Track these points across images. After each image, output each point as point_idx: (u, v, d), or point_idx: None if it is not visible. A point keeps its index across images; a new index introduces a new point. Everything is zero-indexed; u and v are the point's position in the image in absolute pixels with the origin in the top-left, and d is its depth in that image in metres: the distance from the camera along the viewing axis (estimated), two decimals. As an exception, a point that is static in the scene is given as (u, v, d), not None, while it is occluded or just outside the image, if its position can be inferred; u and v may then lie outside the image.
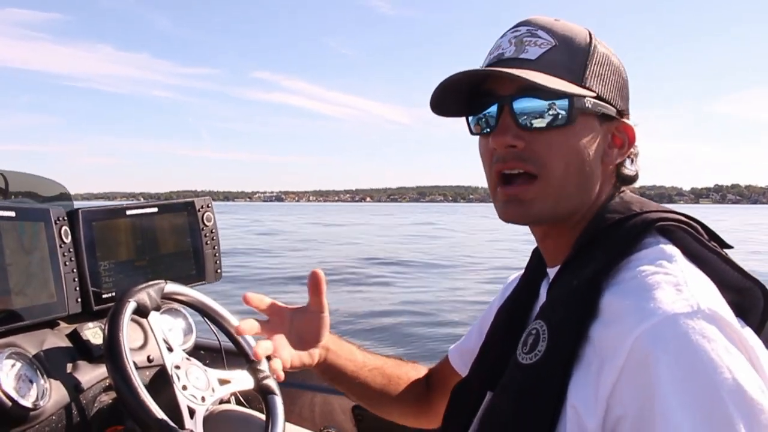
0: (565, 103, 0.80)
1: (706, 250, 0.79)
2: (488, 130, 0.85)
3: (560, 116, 0.80)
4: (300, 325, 1.06)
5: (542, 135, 0.81)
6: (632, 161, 0.89)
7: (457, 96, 0.86)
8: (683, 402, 0.62)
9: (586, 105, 0.81)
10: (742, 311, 0.76)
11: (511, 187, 0.83)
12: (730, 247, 0.84)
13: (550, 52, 0.81)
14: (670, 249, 0.77)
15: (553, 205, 0.83)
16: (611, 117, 0.85)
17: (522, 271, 1.06)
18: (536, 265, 0.99)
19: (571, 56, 0.82)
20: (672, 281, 0.71)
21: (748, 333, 0.72)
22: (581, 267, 0.79)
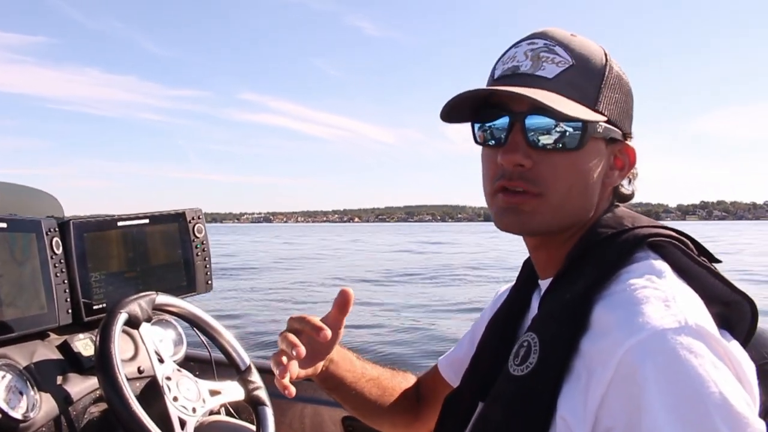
0: (578, 127, 0.79)
1: (695, 265, 0.80)
2: (493, 142, 0.84)
3: (572, 140, 0.79)
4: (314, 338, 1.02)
5: (550, 156, 0.80)
6: (630, 181, 0.90)
7: (468, 105, 0.85)
8: (670, 416, 0.63)
9: (598, 130, 0.81)
10: (729, 324, 0.78)
11: (512, 196, 0.82)
12: (718, 261, 0.85)
13: (567, 72, 0.80)
14: (660, 264, 0.78)
15: (550, 221, 0.83)
16: (617, 139, 0.85)
17: (513, 283, 1.08)
18: (527, 276, 0.99)
19: (587, 78, 0.81)
20: (660, 296, 0.72)
21: (734, 347, 0.73)
22: (573, 281, 0.80)
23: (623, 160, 0.87)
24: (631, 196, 0.91)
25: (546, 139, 0.80)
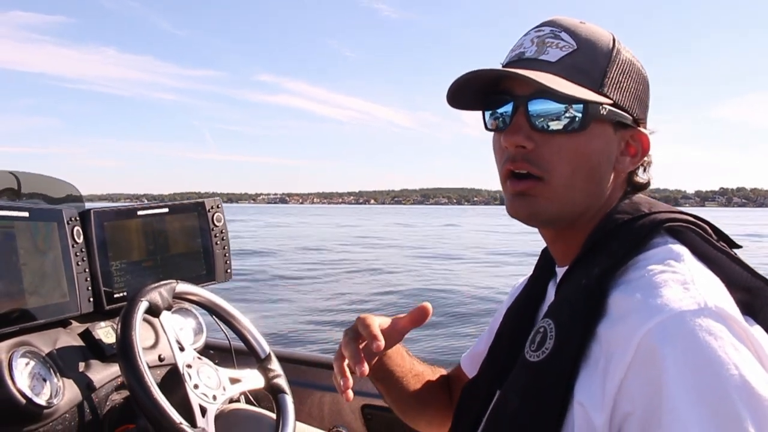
0: (579, 108, 0.79)
1: (714, 250, 0.79)
2: (502, 126, 0.85)
3: (574, 121, 0.80)
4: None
5: (553, 138, 0.81)
6: (645, 170, 0.89)
7: (475, 90, 0.86)
8: (691, 398, 0.62)
9: (601, 112, 0.80)
10: (752, 310, 0.76)
11: (520, 183, 0.83)
12: (739, 246, 0.84)
13: (570, 56, 0.81)
14: (678, 248, 0.78)
15: (559, 208, 0.83)
16: (627, 125, 0.84)
17: (530, 275, 1.07)
18: (544, 264, 0.99)
19: (592, 61, 0.81)
20: (679, 279, 0.71)
21: (756, 330, 0.72)
22: (589, 266, 0.79)
23: (635, 146, 0.86)
24: (646, 185, 0.90)
25: (548, 122, 0.80)
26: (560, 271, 0.91)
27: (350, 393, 0.93)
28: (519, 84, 0.81)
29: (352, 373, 0.94)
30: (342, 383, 0.94)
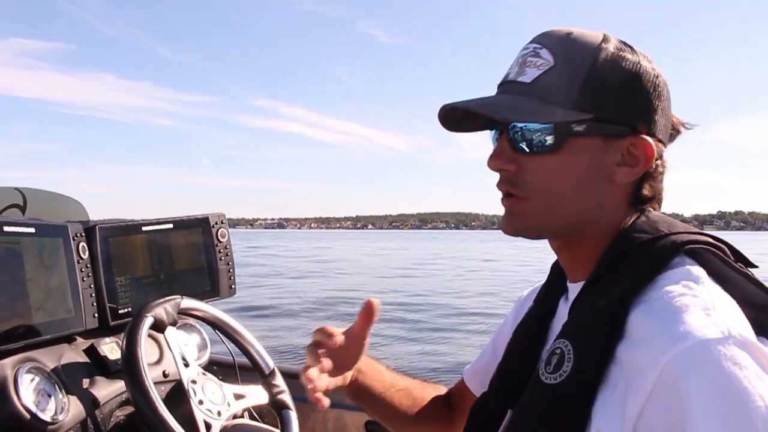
0: (550, 129, 0.79)
1: (732, 271, 0.78)
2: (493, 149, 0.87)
3: (546, 142, 0.80)
4: (341, 348, 1.01)
5: (531, 159, 0.81)
6: (654, 178, 0.86)
7: (466, 116, 0.86)
8: (715, 429, 0.61)
9: (576, 129, 0.79)
10: (766, 330, 0.76)
11: (507, 200, 0.85)
12: (755, 266, 0.83)
13: (546, 74, 0.80)
14: (697, 270, 0.77)
15: (543, 223, 0.83)
16: (622, 134, 0.81)
17: (536, 286, 1.06)
18: (555, 279, 0.98)
19: (570, 77, 0.80)
20: (700, 304, 0.70)
21: None
22: (607, 286, 0.78)
23: (636, 154, 0.82)
24: (650, 198, 0.86)
25: (525, 144, 0.81)
26: (572, 287, 0.90)
27: (322, 399, 0.92)
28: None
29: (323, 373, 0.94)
30: (310, 389, 0.92)
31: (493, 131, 0.87)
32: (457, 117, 0.87)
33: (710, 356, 0.65)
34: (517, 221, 0.84)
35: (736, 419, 0.62)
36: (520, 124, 0.81)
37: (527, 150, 0.81)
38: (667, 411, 0.65)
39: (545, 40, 0.83)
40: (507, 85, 0.84)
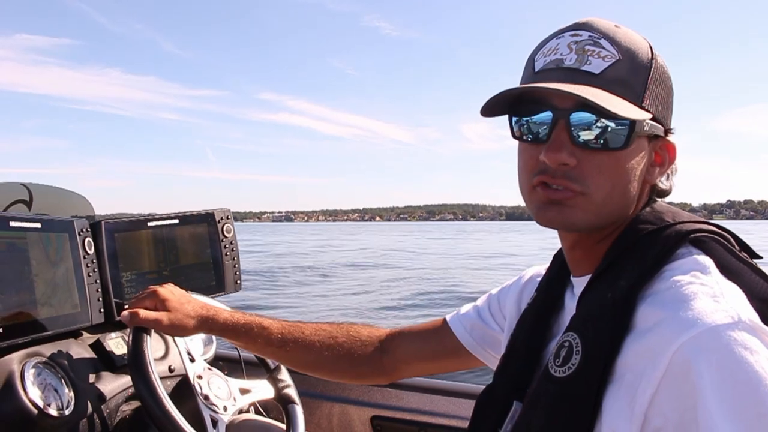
0: (625, 126, 0.77)
1: (736, 261, 0.78)
2: (531, 137, 0.82)
3: (618, 139, 0.77)
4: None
5: (595, 155, 0.78)
6: (668, 177, 0.89)
7: (504, 97, 0.82)
8: (727, 414, 0.61)
9: (644, 128, 0.79)
10: None
11: (556, 192, 0.80)
12: (759, 257, 0.84)
13: (613, 67, 0.78)
14: (704, 260, 0.77)
15: (593, 219, 0.81)
16: (659, 136, 0.83)
17: (539, 269, 1.07)
18: (558, 271, 0.98)
19: (634, 74, 0.78)
20: (708, 292, 0.70)
21: None
22: (614, 278, 0.78)
23: (663, 156, 0.85)
24: (668, 192, 0.90)
25: (591, 138, 0.77)
26: (576, 281, 0.90)
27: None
28: (558, 95, 0.78)
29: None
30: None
31: (541, 118, 0.80)
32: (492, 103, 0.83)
33: (720, 341, 0.65)
34: (570, 214, 0.80)
35: (748, 403, 0.62)
36: (582, 119, 0.77)
37: (595, 145, 0.78)
38: (679, 396, 0.65)
39: (599, 30, 0.80)
40: (566, 72, 0.78)
